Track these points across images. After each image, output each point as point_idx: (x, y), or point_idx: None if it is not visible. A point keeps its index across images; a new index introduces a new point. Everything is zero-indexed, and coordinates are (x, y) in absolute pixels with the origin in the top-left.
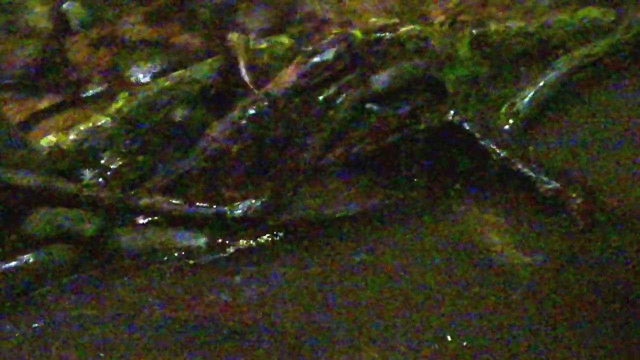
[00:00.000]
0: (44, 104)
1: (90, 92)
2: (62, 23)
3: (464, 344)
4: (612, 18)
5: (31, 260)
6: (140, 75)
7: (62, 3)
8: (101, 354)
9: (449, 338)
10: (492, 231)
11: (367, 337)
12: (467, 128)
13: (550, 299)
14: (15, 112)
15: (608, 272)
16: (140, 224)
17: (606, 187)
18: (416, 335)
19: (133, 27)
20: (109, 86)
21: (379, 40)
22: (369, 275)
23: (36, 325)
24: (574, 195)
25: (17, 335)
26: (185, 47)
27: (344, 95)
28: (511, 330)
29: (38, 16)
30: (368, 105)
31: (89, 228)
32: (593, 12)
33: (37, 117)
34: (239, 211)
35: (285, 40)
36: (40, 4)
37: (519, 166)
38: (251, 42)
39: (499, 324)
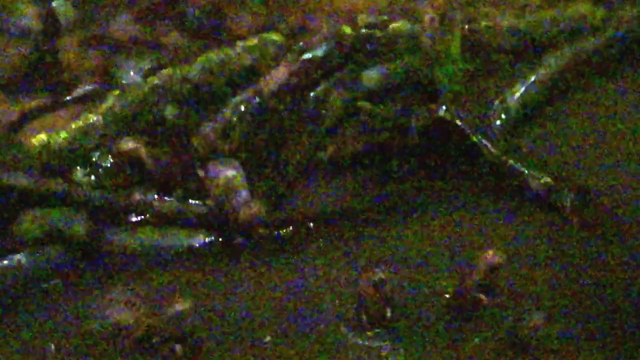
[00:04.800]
0: (34, 104)
1: (81, 92)
2: (52, 23)
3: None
4: (602, 15)
5: (22, 260)
6: (131, 75)
7: (52, 3)
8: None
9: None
10: (483, 228)
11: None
12: (459, 124)
13: (542, 297)
14: (6, 112)
15: (601, 270)
16: (132, 224)
17: (598, 183)
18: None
19: (123, 26)
20: (100, 85)
21: (369, 38)
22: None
23: (29, 327)
24: (566, 192)
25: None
26: (175, 47)
27: (335, 92)
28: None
29: (28, 17)
30: (359, 103)
31: (80, 228)
32: (583, 9)
33: (27, 116)
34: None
35: (275, 37)
36: (30, 4)
37: (511, 162)
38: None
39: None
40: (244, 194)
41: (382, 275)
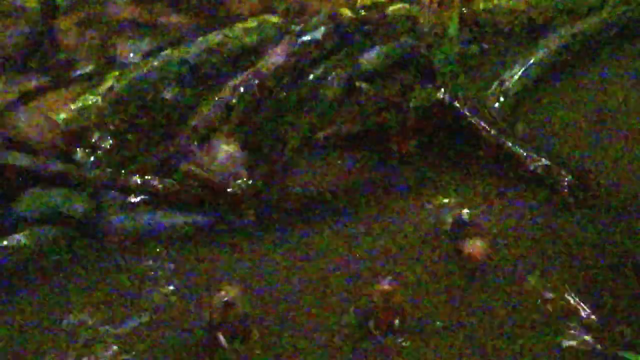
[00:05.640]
0: (33, 84)
1: (80, 72)
2: (50, 4)
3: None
4: None
5: (22, 240)
6: (130, 55)
7: None
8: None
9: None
10: (481, 209)
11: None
12: (457, 106)
13: (540, 276)
14: (4, 93)
15: (596, 249)
16: (131, 204)
17: (595, 164)
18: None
19: (122, 7)
20: (98, 66)
21: (367, 19)
22: (356, 250)
23: (28, 305)
24: (563, 173)
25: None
26: (174, 27)
27: (333, 74)
28: (496, 312)
29: None
30: (357, 84)
31: (79, 208)
32: None
33: (26, 97)
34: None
35: (274, 19)
36: None
37: (509, 144)
38: None
39: (484, 304)
40: (242, 172)
41: (394, 287)
